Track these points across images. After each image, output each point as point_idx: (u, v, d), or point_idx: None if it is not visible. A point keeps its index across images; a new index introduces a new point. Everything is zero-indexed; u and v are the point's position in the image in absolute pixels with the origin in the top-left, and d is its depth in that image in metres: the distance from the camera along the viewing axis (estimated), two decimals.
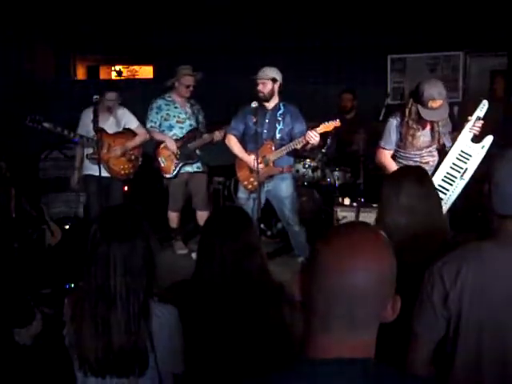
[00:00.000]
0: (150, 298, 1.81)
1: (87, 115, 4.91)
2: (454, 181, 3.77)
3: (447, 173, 3.79)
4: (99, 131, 4.87)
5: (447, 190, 3.78)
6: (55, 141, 5.88)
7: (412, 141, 3.83)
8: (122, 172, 5.04)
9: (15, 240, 4.49)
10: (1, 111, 5.77)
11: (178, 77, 5.14)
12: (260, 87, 4.44)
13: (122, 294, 1.75)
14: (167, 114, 5.18)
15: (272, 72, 4.47)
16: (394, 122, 3.89)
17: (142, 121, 5.32)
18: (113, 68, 8.34)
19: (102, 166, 4.78)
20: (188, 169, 5.25)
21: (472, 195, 3.95)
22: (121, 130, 5.04)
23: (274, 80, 4.47)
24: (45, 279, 4.15)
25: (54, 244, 5.03)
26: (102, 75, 8.25)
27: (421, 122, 3.77)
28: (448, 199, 3.76)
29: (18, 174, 5.02)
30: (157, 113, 5.18)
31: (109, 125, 4.98)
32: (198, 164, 5.28)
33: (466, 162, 3.75)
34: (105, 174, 4.91)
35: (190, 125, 5.23)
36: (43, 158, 6.26)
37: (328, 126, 4.41)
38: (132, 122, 5.08)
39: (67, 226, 5.34)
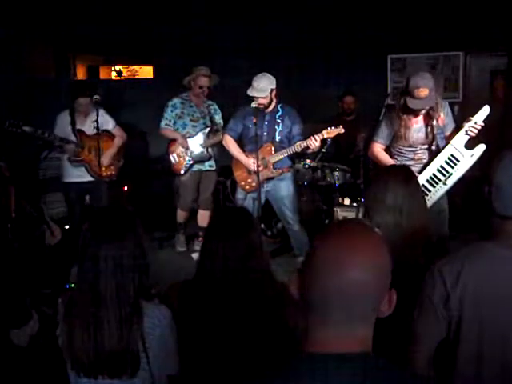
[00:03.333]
0: (142, 298, 1.80)
1: (63, 118, 4.94)
2: (437, 183, 3.80)
3: (433, 174, 3.81)
4: (79, 133, 4.91)
5: (429, 191, 3.80)
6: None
7: (405, 133, 3.84)
8: (104, 174, 5.01)
9: (15, 240, 4.48)
10: (0, 111, 5.76)
11: (193, 76, 5.19)
12: (260, 101, 4.41)
13: (113, 294, 1.75)
14: (182, 113, 5.25)
15: (267, 84, 4.42)
16: (386, 117, 3.96)
17: (145, 120, 5.34)
18: (113, 68, 8.34)
19: (84, 169, 4.92)
20: (200, 167, 5.30)
21: (472, 195, 3.95)
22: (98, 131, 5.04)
23: (271, 91, 4.45)
24: (45, 279, 4.15)
25: (54, 244, 5.03)
26: (102, 75, 8.24)
27: (409, 112, 3.79)
28: (427, 201, 3.78)
29: (18, 173, 5.02)
30: (172, 111, 5.25)
31: (86, 127, 4.98)
32: (211, 162, 5.33)
33: (452, 167, 3.78)
34: (87, 178, 4.98)
35: (204, 123, 5.28)
36: (43, 158, 6.25)
37: (331, 132, 4.39)
38: (108, 123, 5.01)
39: (67, 226, 5.33)
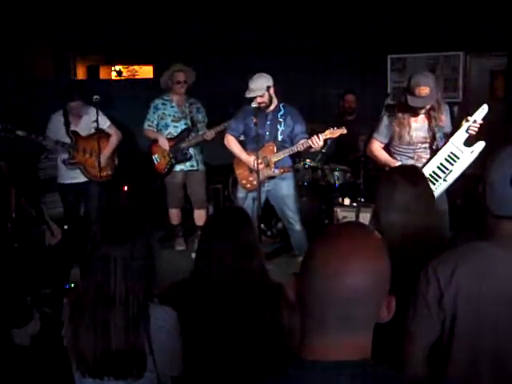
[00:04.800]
0: (149, 299, 1.80)
1: (56, 120, 4.93)
2: (437, 180, 3.81)
3: (433, 171, 3.83)
4: (73, 134, 4.90)
5: None
6: None
7: (401, 132, 3.85)
8: (101, 174, 4.93)
9: (15, 240, 4.48)
10: (0, 111, 5.76)
11: (168, 74, 5.24)
12: (258, 100, 4.40)
13: (122, 295, 1.74)
14: (163, 114, 5.30)
15: (262, 82, 4.41)
16: (386, 115, 3.98)
17: (142, 120, 5.37)
18: (113, 68, 8.33)
19: (79, 171, 4.92)
20: (182, 167, 5.34)
21: (471, 195, 3.96)
22: (92, 131, 4.99)
23: (267, 88, 4.45)
24: (45, 279, 4.14)
25: (54, 244, 5.03)
26: (102, 75, 8.24)
27: (409, 111, 3.80)
28: None
29: (18, 173, 5.02)
30: (154, 112, 5.32)
31: (81, 128, 4.99)
32: (192, 162, 5.35)
33: (452, 164, 3.79)
34: (82, 179, 4.98)
35: (185, 124, 5.32)
36: (43, 158, 6.25)
37: (334, 132, 4.39)
38: (103, 122, 4.96)
39: (66, 227, 5.33)
